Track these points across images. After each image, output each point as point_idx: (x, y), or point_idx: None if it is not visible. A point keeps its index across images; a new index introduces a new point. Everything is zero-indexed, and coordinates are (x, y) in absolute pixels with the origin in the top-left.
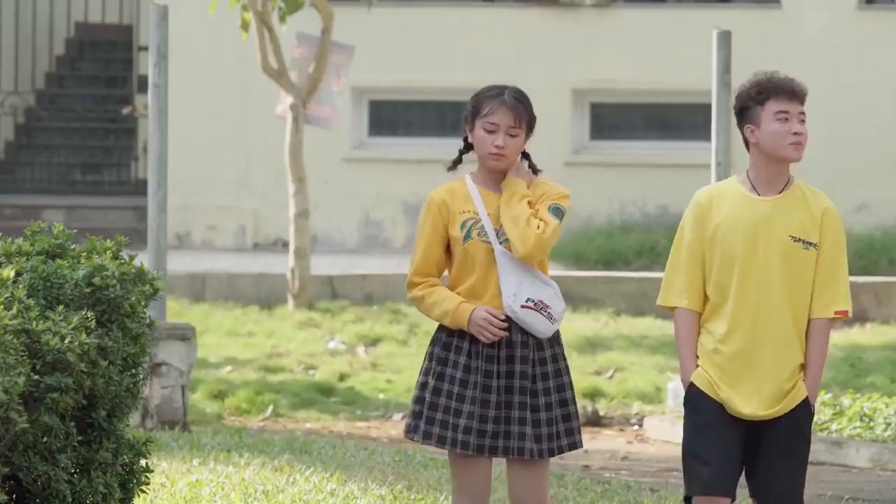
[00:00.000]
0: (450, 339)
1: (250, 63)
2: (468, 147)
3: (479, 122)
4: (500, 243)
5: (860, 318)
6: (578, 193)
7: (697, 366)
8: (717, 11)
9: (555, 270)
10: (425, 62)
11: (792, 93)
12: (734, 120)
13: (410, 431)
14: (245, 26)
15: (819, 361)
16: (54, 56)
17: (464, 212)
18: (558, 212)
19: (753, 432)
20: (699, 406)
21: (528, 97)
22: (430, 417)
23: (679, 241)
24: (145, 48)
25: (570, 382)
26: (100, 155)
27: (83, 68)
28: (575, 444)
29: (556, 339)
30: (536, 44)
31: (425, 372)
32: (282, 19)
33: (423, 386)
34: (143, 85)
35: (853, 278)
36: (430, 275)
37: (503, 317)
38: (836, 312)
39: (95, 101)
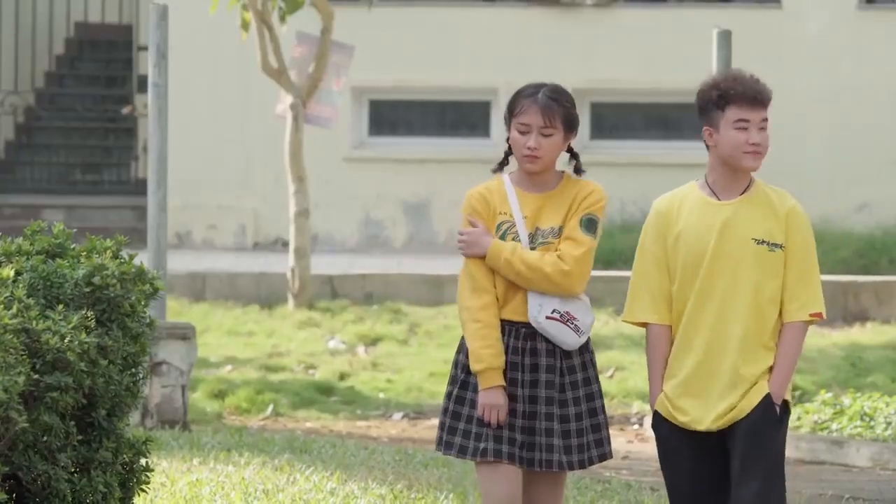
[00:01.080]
0: None
1: (250, 62)
2: (511, 148)
3: (513, 122)
4: (534, 249)
5: (861, 317)
6: None
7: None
8: (717, 11)
9: None
10: (426, 62)
11: (754, 99)
12: None
13: (437, 444)
14: (245, 26)
15: (788, 363)
16: (54, 55)
17: (501, 213)
18: (591, 225)
19: (729, 443)
20: (663, 433)
21: (568, 94)
22: (451, 427)
23: (642, 253)
24: (145, 48)
25: (600, 391)
26: (99, 154)
27: (83, 68)
28: (605, 455)
29: (585, 346)
30: (537, 43)
31: (451, 381)
32: (282, 19)
33: (448, 395)
34: (142, 84)
35: (854, 278)
36: (489, 278)
37: (505, 419)
38: (810, 315)
39: (95, 101)
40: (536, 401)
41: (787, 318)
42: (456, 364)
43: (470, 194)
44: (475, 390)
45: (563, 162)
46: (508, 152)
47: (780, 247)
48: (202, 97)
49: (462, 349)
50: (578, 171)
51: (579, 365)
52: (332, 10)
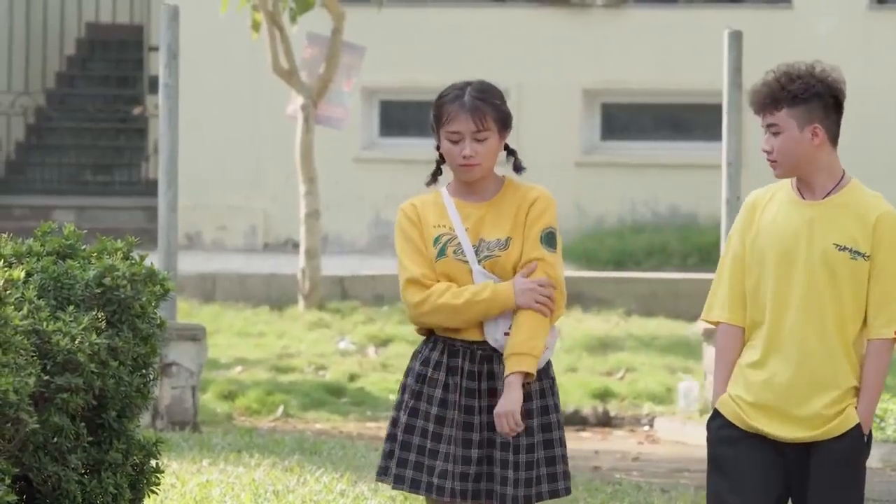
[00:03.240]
0: (424, 370)
1: (261, 63)
2: (444, 158)
3: (442, 131)
4: (479, 262)
5: None
6: (589, 193)
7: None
8: (728, 11)
9: (565, 271)
10: (436, 62)
11: (755, 105)
12: (745, 120)
13: (381, 474)
14: (256, 26)
15: (875, 388)
16: (65, 56)
17: (438, 226)
18: (552, 239)
19: (797, 465)
20: (722, 436)
21: (495, 90)
22: (402, 459)
23: (727, 249)
24: (156, 48)
25: (559, 422)
26: (110, 155)
27: (94, 68)
28: (557, 492)
29: (545, 372)
30: (547, 44)
31: (397, 406)
32: (292, 19)
33: (394, 422)
34: (153, 85)
35: None
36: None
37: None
38: None
39: (106, 102)
40: (494, 428)
41: (870, 335)
42: (403, 388)
43: (402, 210)
44: (427, 418)
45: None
46: (441, 161)
47: (864, 256)
48: (213, 98)
49: (409, 372)
50: (518, 168)
51: (537, 392)
52: (343, 10)
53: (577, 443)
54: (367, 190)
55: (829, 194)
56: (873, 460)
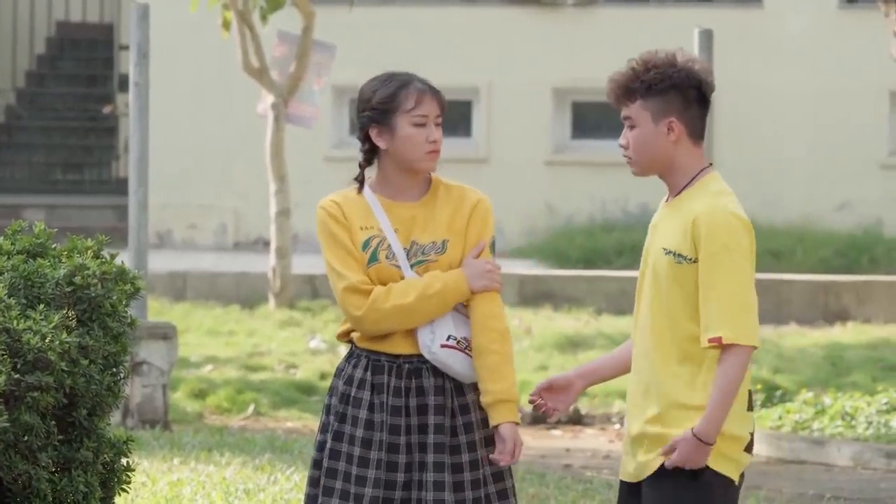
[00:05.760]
0: (347, 389)
1: (232, 62)
2: (370, 155)
3: (403, 117)
4: (412, 267)
5: (841, 316)
6: (559, 192)
7: None
8: (698, 10)
9: (536, 269)
10: (406, 61)
11: (609, 95)
12: (714, 119)
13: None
14: (226, 25)
15: (711, 402)
16: (35, 55)
17: (365, 228)
18: (493, 248)
19: None
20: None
21: None
22: (327, 487)
23: None
24: (126, 47)
25: None
26: (80, 154)
27: (64, 67)
28: None
29: None
30: (518, 43)
31: (322, 428)
32: (263, 18)
33: (320, 446)
34: (123, 84)
35: (834, 277)
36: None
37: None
38: (709, 341)
39: (76, 100)
40: (425, 448)
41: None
42: (328, 409)
43: (323, 207)
44: (352, 442)
45: None
46: (366, 163)
47: (689, 259)
48: (183, 96)
49: (332, 391)
50: None
51: (475, 403)
52: (313, 9)
53: (548, 441)
54: (337, 189)
55: (681, 190)
56: (844, 459)
